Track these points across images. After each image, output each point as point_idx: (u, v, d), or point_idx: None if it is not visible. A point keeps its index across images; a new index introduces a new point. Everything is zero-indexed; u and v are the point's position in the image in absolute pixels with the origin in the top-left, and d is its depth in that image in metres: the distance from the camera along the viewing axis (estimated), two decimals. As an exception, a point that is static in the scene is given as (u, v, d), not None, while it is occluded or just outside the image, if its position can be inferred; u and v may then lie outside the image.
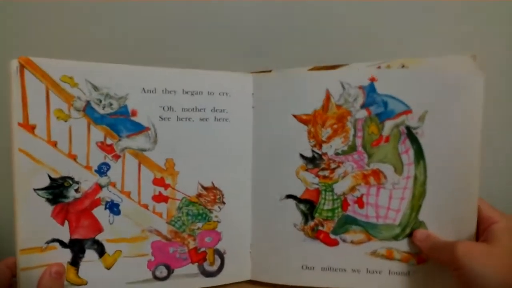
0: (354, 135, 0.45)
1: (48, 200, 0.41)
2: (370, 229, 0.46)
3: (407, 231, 0.45)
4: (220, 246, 0.48)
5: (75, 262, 0.43)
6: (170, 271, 0.46)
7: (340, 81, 0.45)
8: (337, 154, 0.46)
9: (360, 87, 0.45)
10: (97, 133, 0.43)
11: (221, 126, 0.47)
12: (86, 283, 0.43)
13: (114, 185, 0.44)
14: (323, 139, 0.46)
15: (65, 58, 0.42)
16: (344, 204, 0.46)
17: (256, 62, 0.52)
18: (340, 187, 0.46)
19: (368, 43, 0.58)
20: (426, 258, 0.45)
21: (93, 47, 0.57)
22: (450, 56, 0.42)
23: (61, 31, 0.57)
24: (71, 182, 0.42)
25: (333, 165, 0.46)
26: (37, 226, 0.41)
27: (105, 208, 0.44)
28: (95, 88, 0.42)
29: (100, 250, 0.44)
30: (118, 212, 0.44)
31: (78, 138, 0.42)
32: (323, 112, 0.46)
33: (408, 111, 0.44)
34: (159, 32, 0.58)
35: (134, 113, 0.44)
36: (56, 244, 0.42)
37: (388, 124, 0.45)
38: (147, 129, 0.44)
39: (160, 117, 0.45)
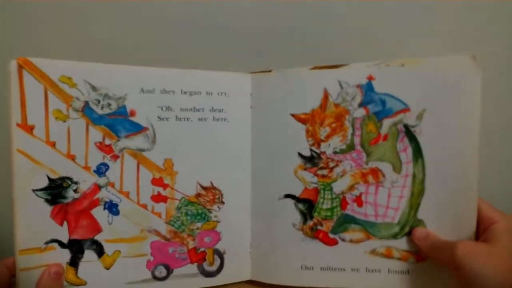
0: (353, 134, 0.45)
1: (47, 200, 0.41)
2: (369, 228, 0.46)
3: (406, 229, 0.45)
4: (219, 246, 0.48)
5: (74, 263, 0.43)
6: (169, 271, 0.46)
7: (338, 80, 0.45)
8: (335, 153, 0.46)
9: (358, 86, 0.45)
10: (96, 134, 0.43)
11: (219, 126, 0.47)
12: (85, 283, 0.43)
13: (113, 185, 0.44)
14: (322, 138, 0.46)
15: (65, 58, 0.42)
16: (343, 203, 0.46)
17: (256, 62, 0.52)
18: (339, 186, 0.46)
19: (368, 43, 0.58)
20: (425, 256, 0.44)
21: (93, 47, 0.57)
22: (450, 56, 0.42)
23: (61, 31, 0.57)
24: (69, 183, 0.42)
25: (331, 164, 0.46)
26: (36, 227, 0.41)
27: (104, 208, 0.44)
28: (94, 88, 0.42)
29: (99, 251, 0.44)
30: (117, 212, 0.44)
31: (76, 138, 0.42)
32: (321, 111, 0.46)
33: (406, 109, 0.44)
34: (159, 32, 0.58)
35: (132, 113, 0.44)
36: (55, 245, 0.42)
37: (386, 123, 0.45)
38: (146, 129, 0.44)
39: (158, 117, 0.45)
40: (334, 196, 0.46)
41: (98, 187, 0.43)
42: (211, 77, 0.47)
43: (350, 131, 0.45)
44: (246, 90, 0.48)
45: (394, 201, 0.45)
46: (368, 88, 0.45)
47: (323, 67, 0.46)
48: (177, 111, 0.45)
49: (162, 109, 0.45)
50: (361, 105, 0.45)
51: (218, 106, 0.47)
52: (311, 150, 0.46)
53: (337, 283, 0.46)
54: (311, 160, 0.46)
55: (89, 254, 0.43)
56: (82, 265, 0.43)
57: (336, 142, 0.46)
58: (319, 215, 0.46)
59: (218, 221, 0.48)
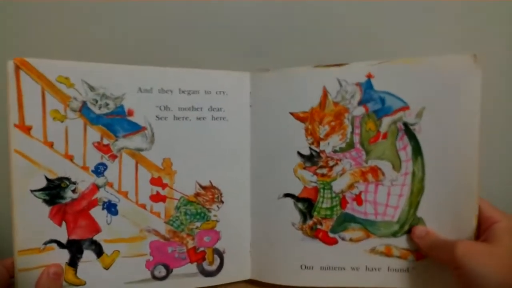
0: (352, 132, 0.45)
1: (45, 201, 0.41)
2: (369, 226, 0.46)
3: (406, 227, 0.45)
4: (219, 245, 0.48)
5: (73, 263, 0.43)
6: (169, 270, 0.46)
7: (337, 78, 0.45)
8: (335, 151, 0.46)
9: (357, 84, 0.45)
10: (94, 134, 0.43)
11: (218, 125, 0.47)
12: (84, 284, 0.43)
13: (111, 185, 0.44)
14: (321, 136, 0.45)
15: (65, 58, 0.42)
16: (343, 202, 0.46)
17: (256, 62, 0.52)
18: (339, 185, 0.46)
19: (368, 43, 0.58)
20: (425, 255, 0.44)
21: (93, 47, 0.57)
22: (450, 55, 0.42)
23: (61, 31, 0.57)
24: (68, 183, 0.42)
25: (331, 163, 0.46)
26: (34, 227, 0.41)
27: (103, 209, 0.43)
28: (91, 88, 0.42)
29: (98, 251, 0.43)
30: (115, 212, 0.44)
31: (74, 138, 0.42)
32: (320, 110, 0.45)
33: (405, 107, 0.44)
34: (159, 32, 0.58)
35: (130, 113, 0.44)
36: (54, 245, 0.42)
37: (386, 121, 0.44)
38: (144, 129, 0.44)
39: (156, 116, 0.45)
40: (333, 195, 0.46)
41: (97, 187, 0.43)
42: (209, 76, 0.47)
43: (349, 129, 0.45)
44: (245, 88, 0.48)
45: (393, 199, 0.45)
46: (367, 86, 0.45)
47: (322, 65, 0.45)
48: (175, 110, 0.45)
49: (160, 108, 0.45)
50: (360, 103, 0.45)
51: (217, 105, 0.47)
52: (310, 149, 0.46)
53: (337, 282, 0.46)
54: (311, 159, 0.46)
55: (88, 254, 0.43)
56: (81, 265, 0.43)
57: (335, 141, 0.45)
58: (319, 214, 0.46)
59: (217, 221, 0.48)
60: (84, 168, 0.43)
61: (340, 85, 0.45)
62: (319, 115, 0.45)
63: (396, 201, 0.45)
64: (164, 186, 0.45)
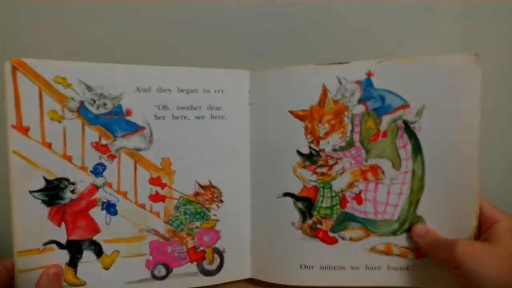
0: (352, 131, 0.45)
1: (44, 202, 0.41)
2: (368, 225, 0.45)
3: (406, 226, 0.45)
4: (219, 244, 0.48)
5: (73, 263, 0.43)
6: (168, 270, 0.46)
7: (337, 76, 0.45)
8: (334, 150, 0.45)
9: (357, 82, 0.44)
10: (92, 134, 0.42)
11: (217, 124, 0.47)
12: (84, 284, 0.43)
13: (110, 186, 0.43)
14: (320, 135, 0.45)
15: (64, 58, 0.41)
16: (343, 201, 0.46)
17: (256, 62, 0.52)
18: (338, 184, 0.46)
19: (368, 43, 0.57)
20: (424, 253, 0.44)
21: (92, 47, 0.57)
22: (451, 54, 0.42)
23: (60, 32, 0.56)
24: (66, 184, 0.42)
25: (330, 162, 0.46)
26: (34, 228, 0.41)
27: (102, 209, 0.43)
28: (89, 88, 0.42)
29: (98, 251, 0.43)
30: (115, 213, 0.44)
31: (72, 139, 0.42)
32: (319, 108, 0.45)
33: (405, 105, 0.43)
34: (159, 33, 0.58)
35: (128, 113, 0.43)
36: (54, 246, 0.42)
37: (386, 119, 0.44)
38: (142, 128, 0.44)
39: (155, 116, 0.44)
40: (333, 194, 0.46)
41: (96, 188, 0.43)
42: (208, 74, 0.46)
43: (349, 127, 0.45)
44: (244, 87, 0.47)
45: (393, 197, 0.45)
46: (367, 84, 0.44)
47: (322, 63, 0.45)
48: (173, 109, 0.45)
49: (158, 108, 0.44)
50: (360, 101, 0.44)
51: (216, 103, 0.46)
52: (310, 147, 0.46)
53: (337, 281, 0.46)
54: (310, 158, 0.46)
55: (88, 255, 0.43)
56: (81, 266, 0.43)
57: (335, 139, 0.45)
58: (319, 213, 0.46)
59: (217, 220, 0.48)
60: (83, 168, 0.42)
61: (340, 83, 0.45)
62: (318, 113, 0.45)
63: (396, 199, 0.45)
64: (163, 185, 0.45)
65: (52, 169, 0.41)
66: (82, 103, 0.42)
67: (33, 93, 0.40)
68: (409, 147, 0.44)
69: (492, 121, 0.44)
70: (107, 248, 0.44)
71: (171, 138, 0.45)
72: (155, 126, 0.44)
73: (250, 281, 0.49)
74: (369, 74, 0.44)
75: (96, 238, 0.43)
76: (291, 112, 0.46)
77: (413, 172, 0.44)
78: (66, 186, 0.42)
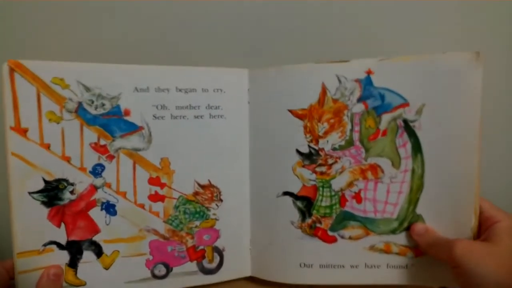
0: (351, 130, 0.45)
1: (43, 203, 0.41)
2: (368, 224, 0.46)
3: (405, 224, 0.45)
4: (219, 243, 0.48)
5: (73, 264, 0.43)
6: (168, 269, 0.46)
7: (336, 74, 0.44)
8: (334, 149, 0.45)
9: (357, 80, 0.44)
10: (90, 134, 0.42)
11: (216, 123, 0.46)
12: (85, 284, 0.43)
13: (109, 186, 0.43)
14: (320, 134, 0.45)
15: (64, 59, 0.41)
16: (342, 200, 0.46)
17: (256, 62, 0.51)
18: (338, 183, 0.46)
19: (368, 43, 0.57)
20: (424, 252, 0.44)
21: (91, 47, 0.56)
22: (452, 52, 0.41)
23: (59, 32, 0.56)
24: (65, 184, 0.42)
25: (330, 161, 0.45)
26: (33, 229, 0.41)
27: (101, 209, 0.43)
28: (87, 88, 0.42)
29: (98, 251, 0.44)
30: (114, 213, 0.44)
31: (71, 139, 0.42)
32: (319, 107, 0.45)
33: (405, 104, 0.43)
34: (158, 32, 0.57)
35: (127, 113, 0.43)
36: (54, 247, 0.42)
37: (385, 118, 0.44)
38: (141, 128, 0.44)
39: (153, 116, 0.44)
40: (333, 193, 0.46)
41: (95, 188, 0.43)
42: (206, 73, 0.46)
43: (348, 126, 0.45)
44: (243, 85, 0.47)
45: (393, 196, 0.45)
46: (367, 82, 0.44)
47: (322, 62, 0.45)
48: (172, 109, 0.45)
49: (157, 107, 0.44)
50: (360, 100, 0.44)
51: (215, 102, 0.46)
52: (309, 146, 0.45)
53: (336, 279, 0.46)
54: (310, 157, 0.46)
55: (88, 255, 0.43)
56: (81, 266, 0.43)
57: (334, 138, 0.45)
58: (318, 212, 0.46)
59: (216, 219, 0.48)
60: (82, 169, 0.42)
61: (339, 81, 0.44)
62: (318, 112, 0.45)
63: (395, 198, 0.45)
64: (162, 185, 0.45)
65: (51, 170, 0.41)
66: (80, 103, 0.42)
67: (31, 94, 0.40)
68: (409, 146, 0.44)
69: (492, 121, 0.44)
70: (107, 248, 0.44)
71: (170, 138, 0.45)
72: (154, 126, 0.44)
73: (250, 279, 0.49)
74: (369, 73, 0.44)
75: (96, 238, 0.43)
76: (290, 111, 0.45)
77: (413, 171, 0.44)
78: (65, 187, 0.42)
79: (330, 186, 0.46)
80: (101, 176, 0.43)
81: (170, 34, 0.57)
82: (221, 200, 0.47)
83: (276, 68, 0.46)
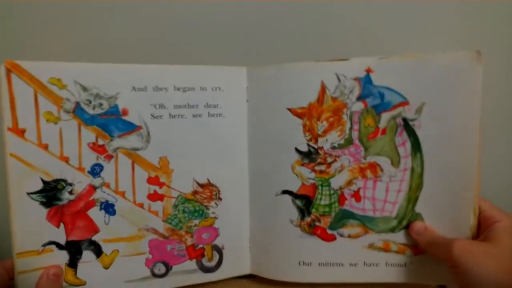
0: (351, 128, 0.45)
1: (42, 203, 0.41)
2: (367, 223, 0.46)
3: (404, 223, 0.45)
4: (218, 241, 0.48)
5: (73, 263, 0.43)
6: (168, 268, 0.46)
7: (336, 72, 0.44)
8: (333, 148, 0.45)
9: (356, 79, 0.44)
10: (88, 134, 0.42)
11: (215, 121, 0.46)
12: (84, 284, 0.43)
13: (108, 186, 0.43)
14: (319, 133, 0.45)
15: (62, 59, 0.41)
16: (341, 199, 0.46)
17: (256, 61, 0.51)
18: (337, 182, 0.45)
19: (368, 43, 0.57)
20: (422, 250, 0.44)
21: (92, 47, 0.56)
22: (453, 51, 0.41)
23: (57, 32, 0.56)
24: (64, 185, 0.42)
25: (329, 159, 0.45)
26: (32, 230, 0.41)
27: (100, 209, 0.43)
28: (84, 88, 0.41)
29: (97, 251, 0.44)
30: (113, 212, 0.44)
31: (69, 140, 0.42)
32: (318, 105, 0.45)
33: (405, 102, 0.43)
34: (159, 32, 0.57)
35: (125, 112, 0.43)
36: (53, 247, 0.42)
37: (385, 116, 0.44)
38: (139, 128, 0.44)
39: (152, 115, 0.44)
40: (332, 191, 0.46)
41: (93, 188, 0.43)
42: (204, 72, 0.46)
43: (348, 125, 0.45)
44: (241, 84, 0.47)
45: (392, 195, 0.45)
46: (366, 81, 0.44)
47: (321, 60, 0.44)
48: (170, 108, 0.44)
49: (155, 107, 0.44)
50: (359, 98, 0.44)
51: (213, 101, 0.46)
52: (308, 145, 0.45)
53: (335, 278, 0.47)
54: (309, 156, 0.45)
55: (87, 255, 0.43)
56: (81, 266, 0.43)
57: (334, 137, 0.45)
58: (317, 211, 0.46)
59: (216, 218, 0.48)
60: (80, 169, 0.42)
61: (339, 80, 0.44)
62: (317, 110, 0.45)
63: (394, 196, 0.45)
64: (161, 185, 0.45)
65: (50, 170, 0.41)
66: (77, 103, 0.41)
67: (28, 95, 0.40)
68: (408, 144, 0.44)
69: (492, 121, 0.44)
70: (106, 248, 0.44)
71: (168, 137, 0.45)
72: (152, 125, 0.44)
73: (249, 277, 0.49)
74: (368, 71, 0.43)
75: (95, 238, 0.43)
76: (289, 109, 0.45)
77: (412, 169, 0.44)
78: (64, 187, 0.42)
79: (329, 185, 0.46)
80: (99, 176, 0.43)
81: (170, 33, 0.57)
82: (220, 199, 0.47)
83: (275, 66, 0.45)
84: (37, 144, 0.40)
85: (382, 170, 0.45)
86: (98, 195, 0.43)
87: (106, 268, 0.44)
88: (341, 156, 0.45)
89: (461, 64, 0.41)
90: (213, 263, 0.48)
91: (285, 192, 0.46)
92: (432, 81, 0.42)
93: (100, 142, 0.43)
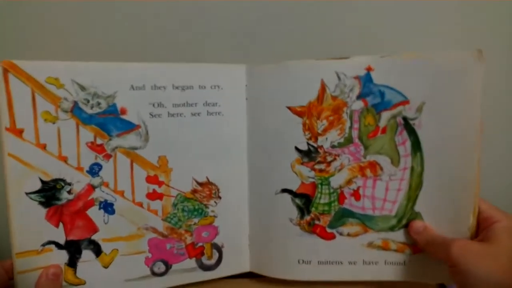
0: (351, 127, 0.44)
1: (41, 203, 0.41)
2: (366, 221, 0.46)
3: (403, 222, 0.45)
4: (217, 240, 0.48)
5: (72, 263, 0.43)
6: (168, 266, 0.46)
7: (336, 71, 0.43)
8: (333, 146, 0.45)
9: (356, 77, 0.43)
10: (87, 134, 0.42)
11: (214, 120, 0.46)
12: (84, 283, 0.43)
13: (107, 185, 0.43)
14: (319, 131, 0.45)
15: (65, 59, 0.41)
16: (341, 197, 0.46)
17: (256, 61, 0.50)
18: (337, 180, 0.45)
19: (368, 43, 0.56)
20: (421, 249, 0.44)
21: (92, 47, 0.56)
22: (453, 50, 0.41)
23: (56, 32, 0.55)
24: (63, 184, 0.42)
25: (329, 158, 0.45)
26: (32, 229, 0.41)
27: (99, 208, 0.43)
28: (82, 88, 0.41)
29: (97, 250, 0.44)
30: (112, 212, 0.44)
31: (67, 139, 0.41)
32: (318, 104, 0.44)
33: (405, 101, 0.43)
34: (159, 31, 0.56)
35: (123, 111, 0.43)
36: (52, 246, 0.42)
37: (385, 115, 0.44)
38: (138, 127, 0.43)
39: (150, 114, 0.44)
40: (331, 190, 0.46)
41: (92, 188, 0.43)
42: (203, 70, 0.45)
43: (348, 124, 0.44)
44: (240, 82, 0.46)
45: (391, 194, 0.45)
46: (366, 79, 0.43)
47: (321, 59, 0.44)
48: (169, 107, 0.44)
49: (153, 105, 0.44)
50: (359, 97, 0.44)
51: (212, 99, 0.46)
52: (308, 144, 0.45)
53: (334, 276, 0.47)
54: (308, 155, 0.45)
55: (87, 254, 0.43)
56: (80, 265, 0.43)
57: (333, 136, 0.45)
58: (317, 210, 0.46)
59: (215, 216, 0.48)
60: (79, 168, 0.42)
61: (339, 78, 0.44)
62: (317, 109, 0.44)
63: (394, 195, 0.45)
64: (160, 184, 0.45)
65: (48, 170, 0.41)
66: (75, 103, 0.41)
67: (26, 95, 0.39)
68: (408, 143, 0.43)
69: (492, 121, 0.44)
70: (106, 247, 0.44)
71: (167, 135, 0.44)
72: (151, 124, 0.44)
73: (249, 275, 0.50)
74: (368, 70, 0.43)
75: (94, 237, 0.43)
76: (289, 108, 0.45)
77: (412, 168, 0.44)
78: (63, 186, 0.42)
79: (329, 184, 0.46)
80: (98, 176, 0.43)
81: (169, 32, 0.56)
82: (220, 197, 0.47)
83: (275, 64, 0.45)
84: (35, 144, 0.40)
85: (382, 169, 0.45)
86: (97, 194, 0.43)
87: (106, 267, 0.44)
88: (341, 155, 0.45)
89: (463, 63, 0.40)
90: (212, 261, 0.48)
91: (284, 190, 0.46)
92: (433, 80, 0.42)
93: (99, 141, 0.42)
